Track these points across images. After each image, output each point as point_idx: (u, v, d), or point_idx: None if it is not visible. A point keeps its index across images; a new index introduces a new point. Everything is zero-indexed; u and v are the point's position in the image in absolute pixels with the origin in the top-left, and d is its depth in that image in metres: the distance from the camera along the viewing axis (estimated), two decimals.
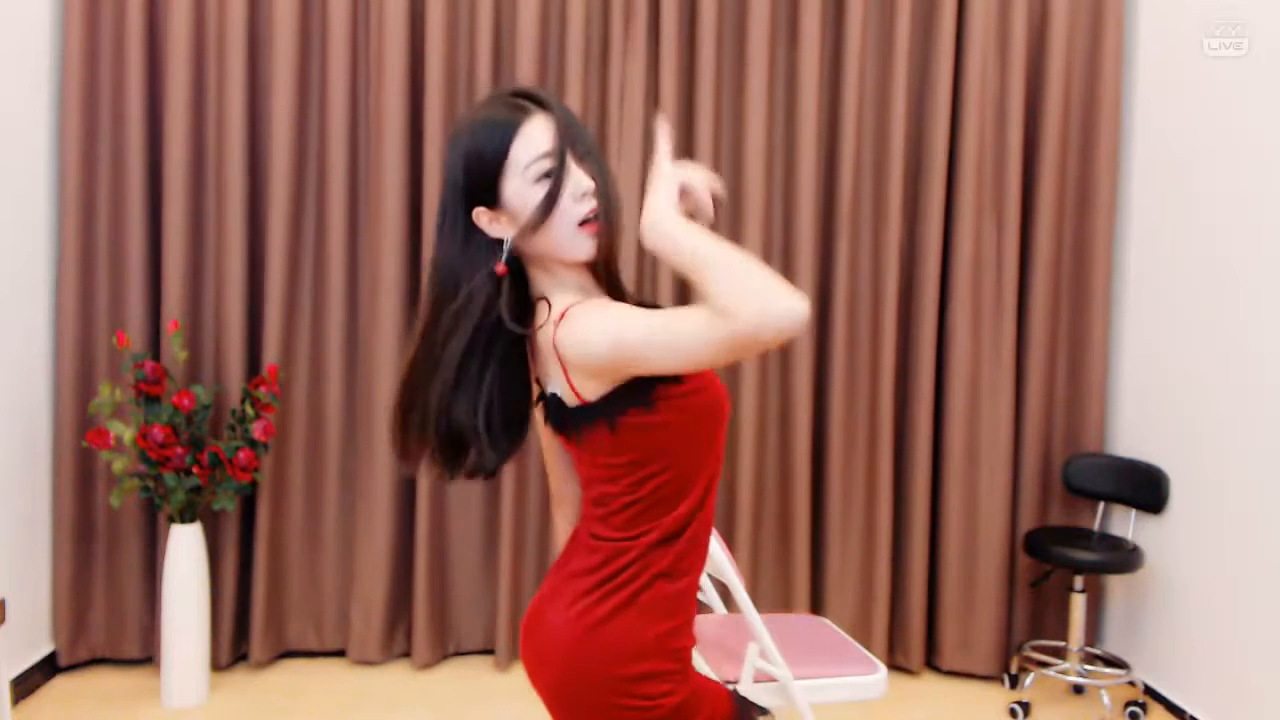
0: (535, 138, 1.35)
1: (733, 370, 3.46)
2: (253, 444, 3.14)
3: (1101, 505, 3.46)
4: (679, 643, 1.43)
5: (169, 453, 3.01)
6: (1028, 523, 3.49)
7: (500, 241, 1.38)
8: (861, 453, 3.49)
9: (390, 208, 3.34)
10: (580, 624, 1.40)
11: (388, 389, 3.38)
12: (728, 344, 1.19)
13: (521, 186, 1.35)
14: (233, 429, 3.18)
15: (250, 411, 3.15)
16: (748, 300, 1.16)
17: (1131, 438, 3.46)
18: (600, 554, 1.42)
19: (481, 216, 1.38)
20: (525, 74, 3.32)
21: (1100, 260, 3.46)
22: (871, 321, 3.48)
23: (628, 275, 3.38)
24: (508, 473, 3.38)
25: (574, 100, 3.34)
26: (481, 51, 3.35)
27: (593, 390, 1.35)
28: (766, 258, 3.44)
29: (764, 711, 1.53)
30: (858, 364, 3.49)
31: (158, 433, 3.00)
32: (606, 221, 1.37)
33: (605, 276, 1.46)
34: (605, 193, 1.38)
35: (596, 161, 1.39)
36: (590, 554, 1.43)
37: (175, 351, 3.17)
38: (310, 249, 3.41)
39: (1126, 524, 3.39)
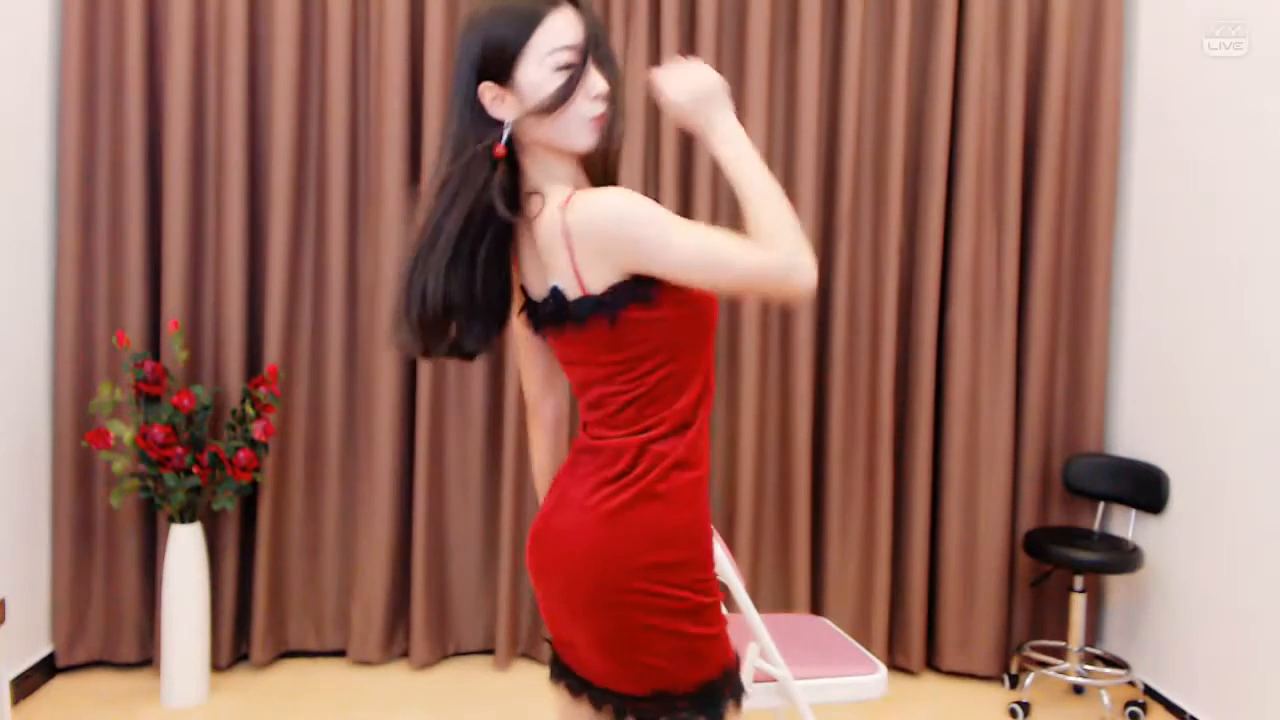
0: (559, 29, 1.36)
1: (732, 369, 3.46)
2: (253, 444, 3.14)
3: (1101, 505, 3.45)
4: (704, 530, 1.43)
5: (169, 453, 3.01)
6: (1028, 523, 3.49)
7: (502, 123, 1.39)
8: (861, 453, 3.49)
9: (390, 208, 3.34)
10: (601, 511, 1.39)
11: (388, 389, 3.38)
12: (755, 272, 1.32)
13: (537, 72, 1.36)
14: (233, 429, 3.18)
15: (250, 411, 3.15)
16: (790, 241, 1.33)
17: (1131, 438, 3.46)
18: (608, 451, 1.42)
19: (486, 92, 1.39)
20: None
21: (1100, 260, 3.46)
22: (871, 321, 3.47)
23: None
24: (507, 473, 3.38)
25: None
26: None
27: (598, 279, 1.35)
28: None
29: (744, 694, 1.50)
30: (858, 364, 3.49)
31: (158, 433, 3.00)
32: (610, 128, 1.41)
33: (601, 179, 1.49)
34: (616, 99, 1.41)
35: (613, 68, 1.42)
36: (597, 455, 1.43)
37: (175, 351, 3.17)
38: (310, 249, 3.41)
39: (1126, 524, 3.39)
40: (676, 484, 1.40)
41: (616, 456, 1.40)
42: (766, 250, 1.31)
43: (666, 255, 1.32)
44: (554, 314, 1.40)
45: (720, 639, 1.43)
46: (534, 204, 1.40)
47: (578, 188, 1.43)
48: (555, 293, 1.39)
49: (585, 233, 1.33)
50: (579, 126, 1.39)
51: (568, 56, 1.36)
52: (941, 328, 3.50)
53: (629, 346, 1.38)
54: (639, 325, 1.37)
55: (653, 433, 1.40)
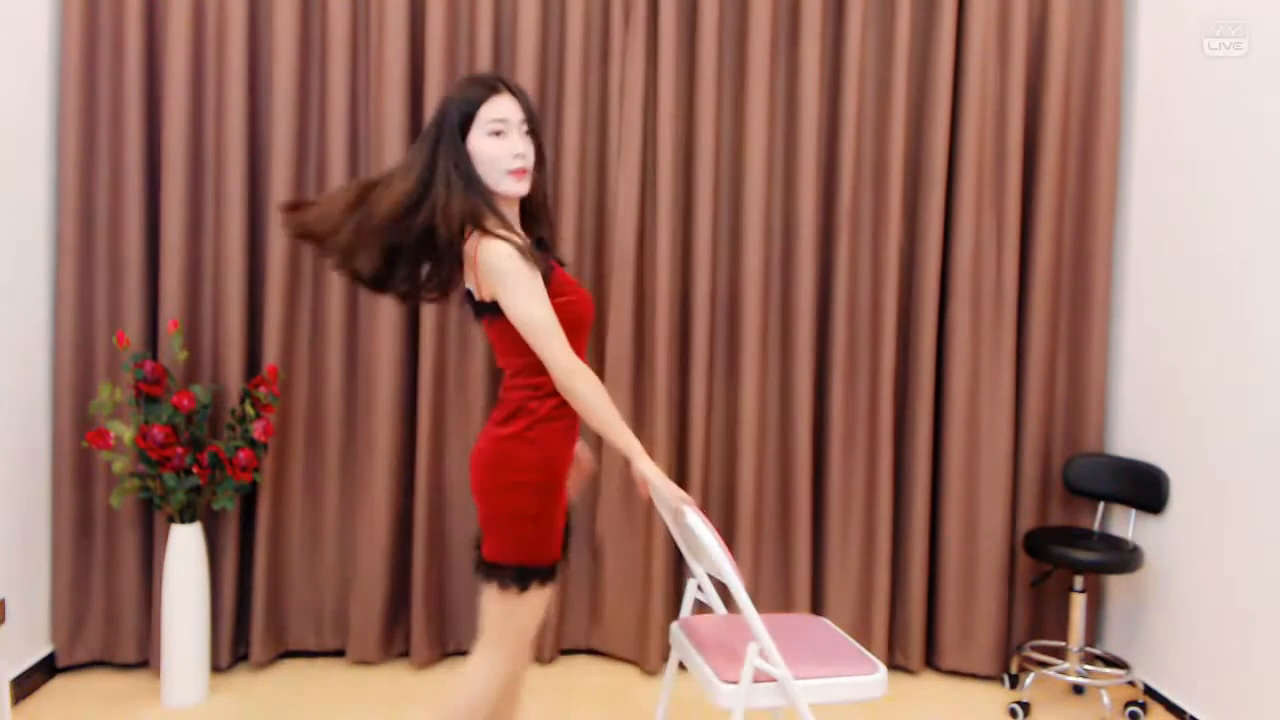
0: (497, 107, 2.03)
1: (732, 370, 3.46)
2: (253, 444, 3.14)
3: (1101, 505, 3.45)
4: (555, 469, 2.10)
5: (169, 453, 3.01)
6: (1028, 522, 3.49)
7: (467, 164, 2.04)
8: (861, 452, 3.49)
9: None
10: (490, 442, 2.11)
11: (387, 389, 3.38)
12: (547, 358, 2.01)
13: (477, 134, 2.04)
14: (233, 429, 3.18)
15: (250, 411, 3.15)
16: (565, 381, 2.03)
17: (1131, 438, 3.46)
18: (507, 405, 2.11)
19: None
20: (525, 75, 3.32)
21: (1100, 260, 3.46)
22: (871, 321, 3.47)
23: (625, 253, 3.38)
24: None
25: (574, 101, 3.34)
26: (481, 51, 3.35)
27: (486, 293, 2.03)
28: (767, 258, 3.45)
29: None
30: (858, 363, 3.49)
31: (158, 433, 3.00)
32: (531, 181, 2.08)
33: (531, 219, 2.17)
34: (540, 162, 2.11)
35: (540, 137, 2.10)
36: (504, 405, 2.12)
37: (175, 351, 3.17)
38: (310, 249, 3.41)
39: (1126, 524, 3.39)
40: (544, 429, 2.07)
41: (506, 403, 2.11)
42: (559, 366, 2.00)
43: (512, 309, 2.00)
44: (471, 306, 2.11)
45: (549, 541, 2.10)
46: (471, 235, 2.05)
47: (510, 221, 2.07)
48: (468, 292, 2.10)
49: (483, 263, 2.00)
50: (497, 174, 2.03)
51: (499, 126, 2.02)
52: (941, 327, 3.50)
53: (507, 338, 2.05)
54: (508, 326, 2.02)
55: (529, 392, 2.08)
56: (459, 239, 2.04)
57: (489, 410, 3.48)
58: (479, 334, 3.43)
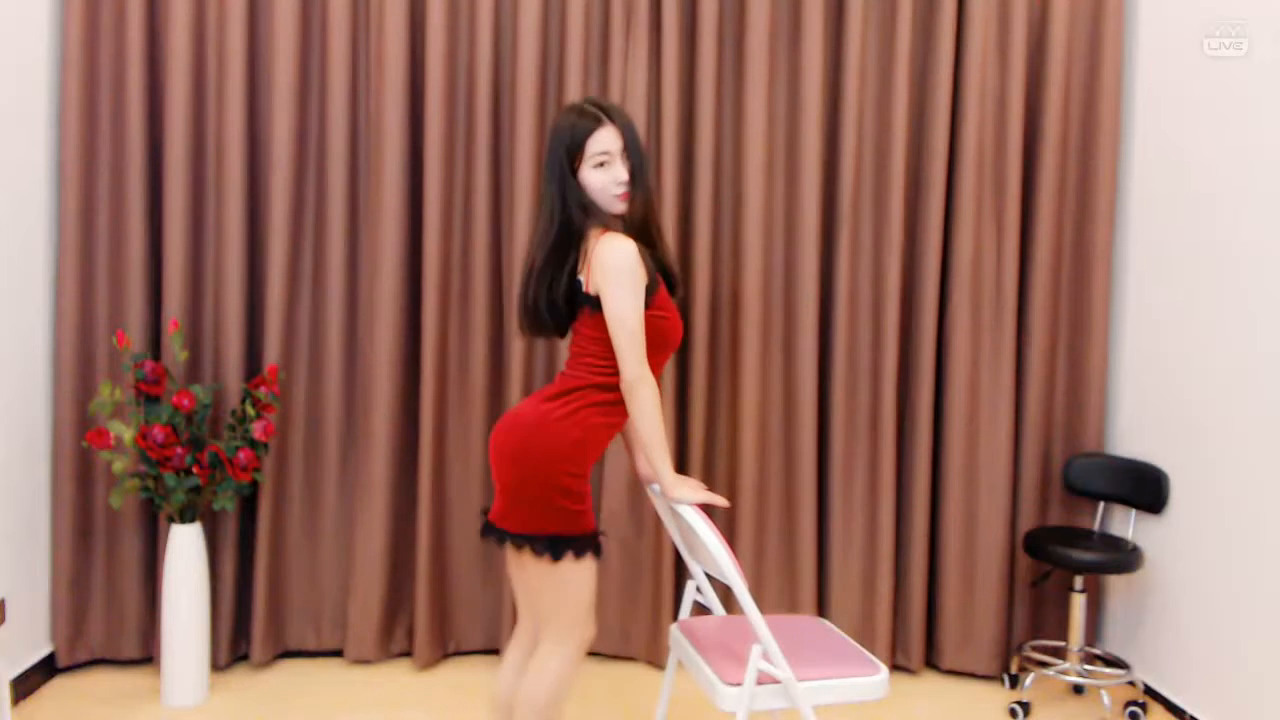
0: (601, 140, 2.20)
1: (734, 372, 3.46)
2: (253, 444, 3.13)
3: (1101, 505, 3.46)
4: (589, 451, 2.22)
5: (169, 453, 3.01)
6: (1028, 523, 3.49)
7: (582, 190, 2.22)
8: (863, 453, 3.49)
9: (390, 208, 3.33)
10: (537, 413, 2.22)
11: (387, 389, 3.38)
12: (621, 354, 2.15)
13: (586, 167, 2.21)
14: (233, 429, 3.18)
15: (250, 411, 3.14)
16: (631, 388, 2.17)
17: (1131, 438, 3.46)
18: (564, 385, 2.25)
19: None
20: (525, 75, 3.32)
21: (1100, 260, 3.46)
22: (872, 321, 3.47)
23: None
24: None
25: (574, 100, 3.34)
26: (481, 51, 3.35)
27: (593, 286, 2.19)
28: (768, 259, 3.44)
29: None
30: (859, 364, 3.49)
31: (158, 433, 3.00)
32: (632, 201, 2.24)
33: (636, 231, 2.25)
34: (639, 182, 2.23)
35: (640, 163, 2.24)
36: (559, 385, 2.26)
37: (175, 351, 3.17)
38: (310, 249, 3.41)
39: (1126, 524, 3.39)
40: (591, 417, 2.21)
41: (566, 389, 2.24)
42: (631, 368, 2.15)
43: (604, 303, 2.16)
44: (575, 295, 2.24)
45: (583, 514, 2.20)
46: (592, 233, 2.23)
47: (613, 228, 2.24)
48: (578, 281, 2.22)
49: (594, 262, 2.18)
50: (608, 200, 2.23)
51: (603, 157, 2.20)
52: (942, 328, 3.50)
53: (601, 330, 2.19)
54: (603, 320, 2.18)
55: (593, 384, 2.22)
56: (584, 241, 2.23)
57: (491, 408, 3.48)
58: (479, 337, 3.43)
